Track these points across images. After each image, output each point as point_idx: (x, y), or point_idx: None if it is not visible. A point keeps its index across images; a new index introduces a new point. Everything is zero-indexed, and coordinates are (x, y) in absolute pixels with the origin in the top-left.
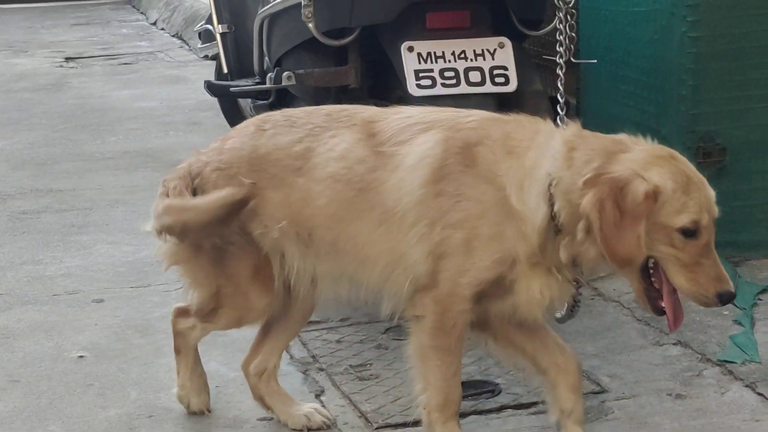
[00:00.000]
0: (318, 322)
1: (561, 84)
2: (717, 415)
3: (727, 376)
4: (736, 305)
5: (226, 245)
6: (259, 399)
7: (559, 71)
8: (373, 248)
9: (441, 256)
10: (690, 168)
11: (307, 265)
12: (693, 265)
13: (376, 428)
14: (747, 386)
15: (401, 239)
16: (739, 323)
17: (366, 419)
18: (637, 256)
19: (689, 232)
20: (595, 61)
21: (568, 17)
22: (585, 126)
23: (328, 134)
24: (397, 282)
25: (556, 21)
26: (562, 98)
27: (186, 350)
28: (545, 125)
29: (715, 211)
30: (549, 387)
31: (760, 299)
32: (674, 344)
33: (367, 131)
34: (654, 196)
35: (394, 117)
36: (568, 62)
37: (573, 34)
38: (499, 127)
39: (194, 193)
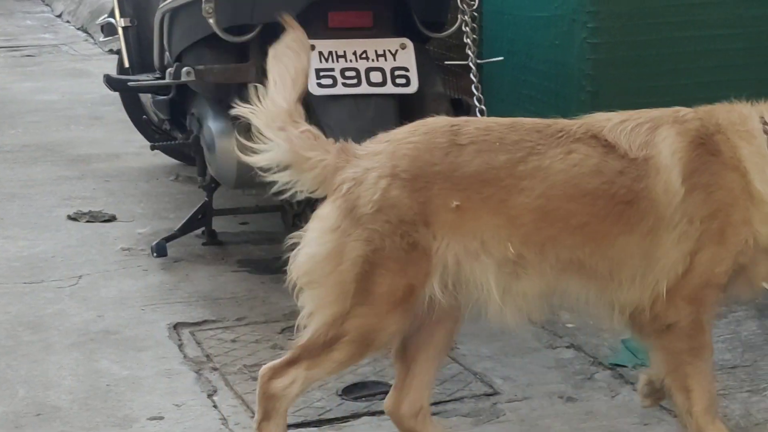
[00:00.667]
0: (214, 321)
1: (476, 87)
2: (606, 418)
3: (618, 379)
4: None
5: (383, 260)
6: None
7: (472, 75)
8: (633, 260)
9: (696, 251)
10: None
11: (499, 283)
12: None
13: None
14: (637, 390)
15: (662, 243)
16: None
17: None
18: None
19: None
20: (502, 58)
21: (471, 20)
22: None
23: (560, 150)
24: (643, 291)
25: (459, 23)
26: (480, 103)
27: (278, 416)
28: (746, 109)
29: None
30: None
31: None
32: (567, 347)
33: (599, 143)
34: None
35: (609, 124)
36: (470, 65)
37: (475, 37)
38: (719, 115)
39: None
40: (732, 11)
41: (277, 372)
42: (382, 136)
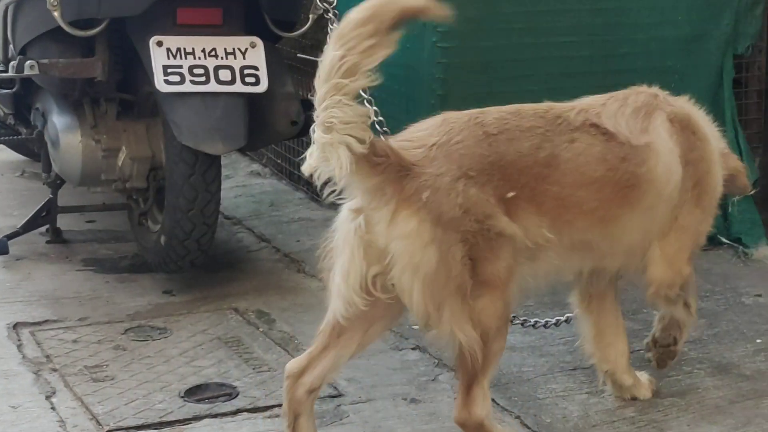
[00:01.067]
0: (55, 321)
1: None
2: (449, 419)
3: None
4: None
5: (483, 252)
6: (293, 414)
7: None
8: (632, 235)
9: (678, 216)
10: None
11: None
12: None
13: (108, 431)
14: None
15: (658, 216)
16: None
17: (97, 421)
18: None
19: None
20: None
21: (327, 18)
22: None
23: (564, 138)
24: (637, 258)
25: (310, 23)
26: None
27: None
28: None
29: None
30: None
31: None
32: (413, 349)
33: (599, 131)
34: None
35: (604, 111)
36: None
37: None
38: (675, 100)
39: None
40: (578, 20)
41: (299, 372)
42: (410, 138)
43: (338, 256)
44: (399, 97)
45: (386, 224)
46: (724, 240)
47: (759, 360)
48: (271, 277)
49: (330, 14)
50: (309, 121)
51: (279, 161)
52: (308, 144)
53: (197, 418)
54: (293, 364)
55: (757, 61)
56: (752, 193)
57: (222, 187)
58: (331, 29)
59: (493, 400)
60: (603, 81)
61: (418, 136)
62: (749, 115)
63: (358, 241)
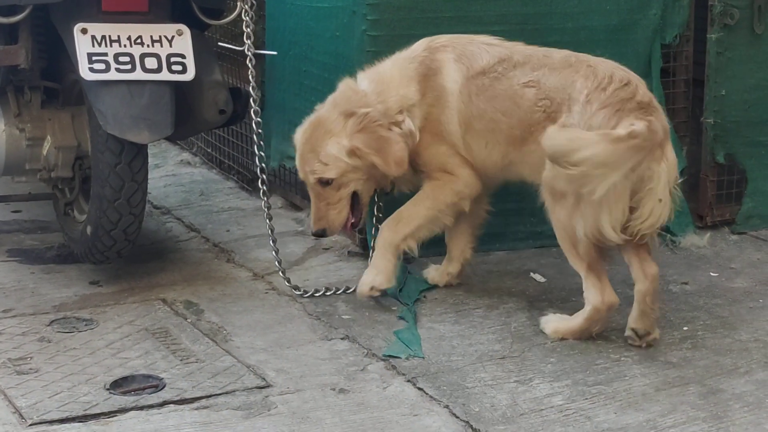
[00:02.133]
0: None
1: (252, 76)
2: (377, 409)
3: (391, 371)
4: (400, 301)
5: None
6: None
7: (248, 63)
8: None
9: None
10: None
11: None
12: None
13: (30, 424)
14: (408, 381)
15: None
16: (403, 319)
17: (20, 415)
18: None
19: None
20: (276, 53)
21: (250, 9)
22: (268, 119)
23: None
24: None
25: (238, 11)
26: (254, 90)
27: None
28: None
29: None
30: None
31: (424, 296)
32: (342, 339)
33: None
34: None
35: None
36: (246, 53)
37: (254, 26)
38: None
39: None
40: (508, 8)
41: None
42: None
43: None
44: (329, 85)
45: None
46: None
47: (685, 347)
48: (200, 267)
49: (246, 4)
50: (237, 110)
51: (209, 150)
52: (238, 133)
53: (123, 410)
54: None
55: (685, 50)
56: (680, 182)
57: (151, 176)
58: (246, 21)
59: (421, 389)
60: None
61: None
62: (677, 104)
63: None
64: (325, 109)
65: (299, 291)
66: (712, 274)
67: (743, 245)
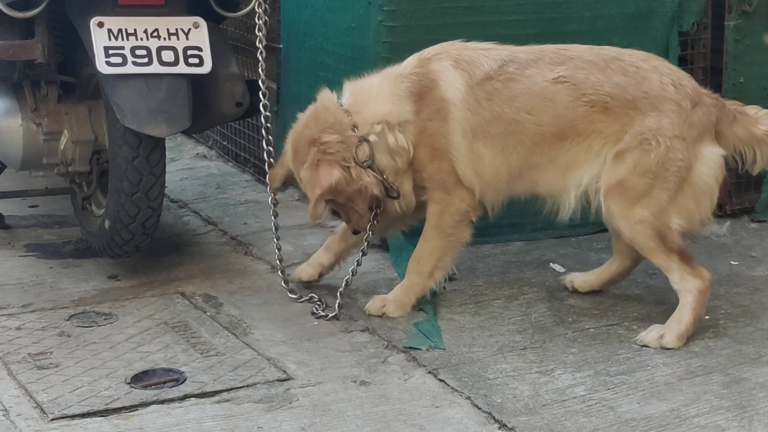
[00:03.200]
0: None
1: (262, 69)
2: (399, 401)
3: (411, 362)
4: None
5: None
6: None
7: (259, 56)
8: None
9: None
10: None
11: None
12: None
13: (52, 419)
14: (429, 372)
15: None
16: (423, 310)
17: (41, 410)
18: None
19: None
20: (281, 46)
21: (264, 1)
22: (284, 111)
23: None
24: None
25: (254, 4)
26: (263, 84)
27: None
28: None
29: None
30: None
31: (444, 287)
32: (362, 331)
33: None
34: None
35: None
36: (266, 47)
37: (267, 18)
38: None
39: None
40: None
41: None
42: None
43: None
44: (345, 76)
45: None
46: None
47: (707, 337)
48: (218, 260)
49: None
50: (254, 102)
51: (225, 143)
52: (254, 126)
53: (144, 404)
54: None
55: (702, 38)
56: None
57: (168, 170)
58: (259, 13)
59: (442, 380)
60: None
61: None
62: None
63: None
64: (302, 124)
65: (295, 295)
66: (732, 262)
67: (763, 233)
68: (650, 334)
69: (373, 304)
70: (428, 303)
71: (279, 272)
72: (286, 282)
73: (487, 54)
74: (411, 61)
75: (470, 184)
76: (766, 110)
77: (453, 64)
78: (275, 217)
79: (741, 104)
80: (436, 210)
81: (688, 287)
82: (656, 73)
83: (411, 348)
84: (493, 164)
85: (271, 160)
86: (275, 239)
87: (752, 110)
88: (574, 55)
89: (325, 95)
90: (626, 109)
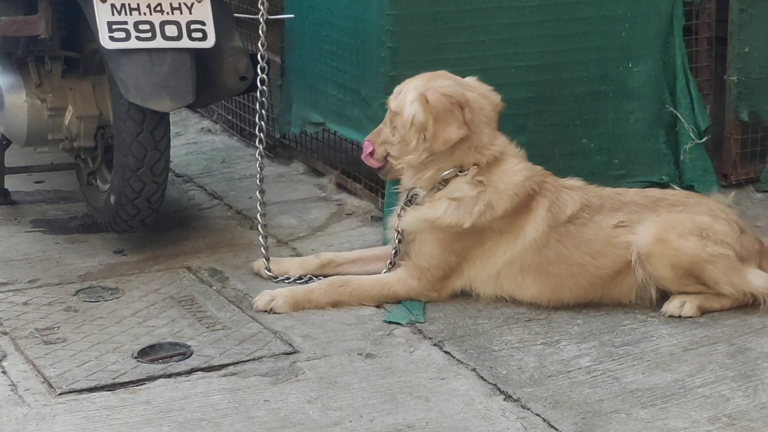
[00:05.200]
0: (4, 284)
1: (262, 43)
2: (405, 373)
3: (417, 335)
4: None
5: None
6: None
7: (260, 31)
8: None
9: None
10: None
11: None
12: None
13: (59, 394)
14: (435, 345)
15: None
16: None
17: (49, 384)
18: None
19: None
20: (293, 16)
21: None
22: (288, 85)
23: None
24: None
25: None
26: (263, 59)
27: None
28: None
29: None
30: None
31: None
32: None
33: None
34: None
35: None
36: (269, 20)
37: None
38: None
39: None
40: None
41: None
42: None
43: None
44: (349, 50)
45: None
46: (677, 188)
47: None
48: (223, 234)
49: None
50: (258, 76)
51: (230, 117)
52: (258, 99)
53: (151, 378)
54: None
55: (707, 8)
56: (704, 140)
57: (172, 144)
58: None
59: (448, 352)
60: (554, 29)
61: None
62: (700, 62)
63: None
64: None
65: (276, 280)
66: None
67: None
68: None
69: (261, 299)
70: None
71: (263, 260)
72: (268, 269)
73: (574, 196)
74: (529, 171)
75: (466, 287)
76: None
77: (548, 206)
78: (261, 194)
79: None
80: (403, 276)
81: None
82: (704, 204)
83: (391, 322)
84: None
85: (262, 135)
86: (259, 216)
87: None
88: (628, 200)
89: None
90: None
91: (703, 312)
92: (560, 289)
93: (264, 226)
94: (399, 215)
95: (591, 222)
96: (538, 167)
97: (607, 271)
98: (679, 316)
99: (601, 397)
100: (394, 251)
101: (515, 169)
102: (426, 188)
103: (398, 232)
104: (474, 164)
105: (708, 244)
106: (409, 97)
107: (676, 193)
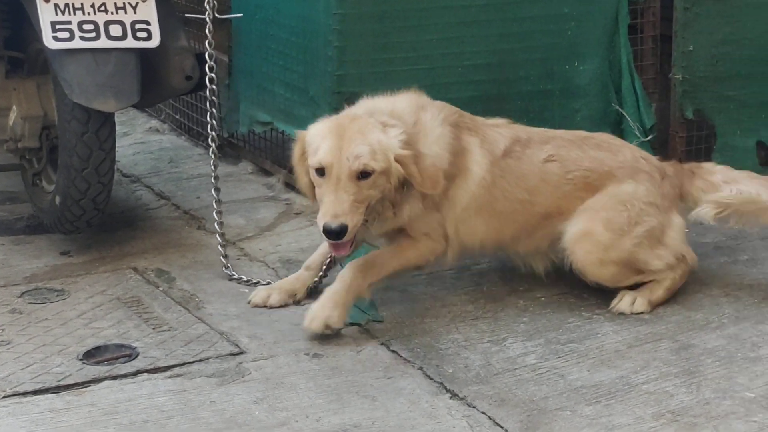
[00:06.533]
0: None
1: (209, 43)
2: (351, 373)
3: (364, 334)
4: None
5: None
6: None
7: (207, 30)
8: None
9: None
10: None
11: None
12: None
13: (3, 397)
14: (382, 344)
15: None
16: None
17: None
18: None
19: (319, 171)
20: (241, 15)
21: None
22: (236, 84)
23: None
24: None
25: None
26: (211, 58)
27: None
28: None
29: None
30: None
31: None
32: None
33: None
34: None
35: None
36: (215, 19)
37: None
38: None
39: None
40: None
41: None
42: None
43: None
44: (297, 49)
45: None
46: None
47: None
48: (170, 235)
49: None
50: (204, 75)
51: (178, 117)
52: (206, 99)
53: (96, 380)
54: None
55: (652, 6)
56: (649, 138)
57: (120, 144)
58: None
59: (395, 351)
60: (501, 28)
61: None
62: (645, 60)
63: None
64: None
65: (234, 276)
66: None
67: None
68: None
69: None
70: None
71: (222, 258)
72: (226, 266)
73: (502, 132)
74: (441, 114)
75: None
76: (720, 165)
77: (480, 142)
78: (217, 192)
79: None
80: (416, 242)
81: (671, 275)
82: (627, 147)
83: (352, 324)
84: (483, 234)
85: (214, 134)
86: (215, 214)
87: (707, 165)
88: (554, 135)
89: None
90: (604, 180)
91: (654, 305)
92: (502, 228)
93: (221, 223)
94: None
95: (524, 156)
96: (450, 107)
97: (540, 209)
98: (631, 313)
99: (546, 394)
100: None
101: (432, 125)
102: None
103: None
104: None
105: (632, 229)
106: (391, 156)
107: (602, 135)
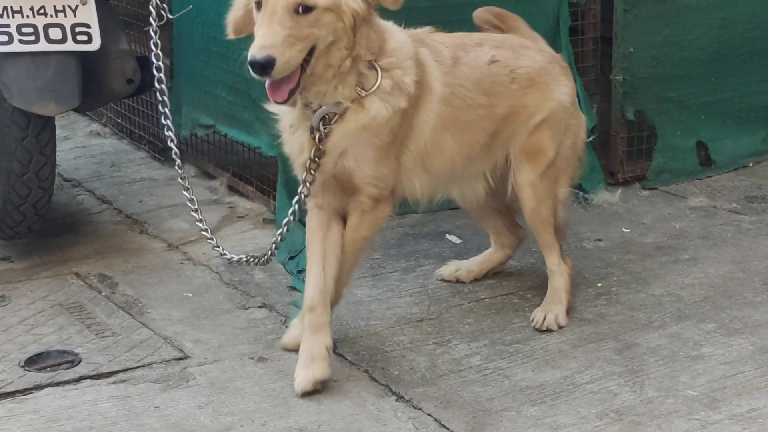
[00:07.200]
0: None
1: (155, 44)
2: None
3: None
4: (288, 271)
5: None
6: None
7: (152, 32)
8: None
9: None
10: None
11: None
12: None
13: None
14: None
15: None
16: (296, 289)
17: None
18: None
19: (258, 4)
20: (191, 7)
21: None
22: (178, 88)
23: None
24: None
25: None
26: (158, 60)
27: None
28: None
29: None
30: None
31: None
32: (260, 307)
33: None
34: None
35: None
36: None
37: None
38: None
39: None
40: None
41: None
42: None
43: None
44: (239, 52)
45: None
46: None
47: (600, 303)
48: (113, 239)
49: None
50: (145, 79)
51: (119, 120)
52: (148, 102)
53: (38, 387)
54: None
55: (593, 8)
56: (591, 139)
57: (61, 148)
58: None
59: (340, 354)
60: (443, 31)
61: None
62: (586, 62)
63: None
64: None
65: (229, 258)
66: (624, 230)
67: (654, 200)
68: (548, 318)
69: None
70: (298, 280)
71: (209, 240)
72: (213, 250)
73: (443, 41)
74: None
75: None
76: None
77: (431, 53)
78: (188, 191)
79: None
80: (358, 220)
81: (563, 270)
82: (534, 48)
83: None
84: (451, 154)
85: (171, 134)
86: (194, 212)
87: None
88: (480, 39)
89: None
90: (543, 76)
91: (566, 306)
92: (472, 139)
93: (202, 220)
94: (317, 137)
95: (470, 61)
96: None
97: (501, 111)
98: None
99: (491, 395)
100: (308, 184)
101: (401, 38)
102: (350, 97)
103: (313, 160)
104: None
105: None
106: None
107: (506, 37)
